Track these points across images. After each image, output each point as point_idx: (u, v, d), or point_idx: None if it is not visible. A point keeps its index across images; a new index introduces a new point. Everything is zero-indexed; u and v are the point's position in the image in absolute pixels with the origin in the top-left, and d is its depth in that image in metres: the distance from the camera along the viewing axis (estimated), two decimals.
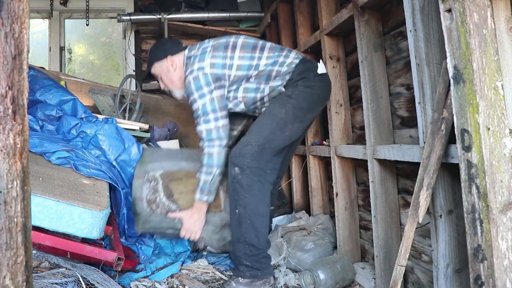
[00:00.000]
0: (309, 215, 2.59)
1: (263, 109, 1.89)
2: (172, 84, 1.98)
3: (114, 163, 2.09)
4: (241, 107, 1.89)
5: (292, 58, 1.84)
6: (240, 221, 1.68)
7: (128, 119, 2.52)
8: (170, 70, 1.93)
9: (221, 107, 1.78)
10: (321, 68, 1.87)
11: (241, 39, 1.89)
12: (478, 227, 0.94)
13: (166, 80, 1.98)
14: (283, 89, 1.82)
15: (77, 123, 2.10)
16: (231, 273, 1.90)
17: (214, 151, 1.75)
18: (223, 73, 1.79)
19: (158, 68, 1.98)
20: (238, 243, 1.69)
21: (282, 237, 2.15)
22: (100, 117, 2.22)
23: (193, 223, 1.85)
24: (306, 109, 1.79)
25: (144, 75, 2.22)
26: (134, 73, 3.79)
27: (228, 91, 1.83)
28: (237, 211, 1.70)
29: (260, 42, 1.91)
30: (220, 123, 1.76)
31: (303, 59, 1.86)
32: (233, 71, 1.80)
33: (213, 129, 1.76)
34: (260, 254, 1.68)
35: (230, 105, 1.87)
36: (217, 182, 1.80)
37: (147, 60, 2.12)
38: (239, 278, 1.67)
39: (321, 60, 1.93)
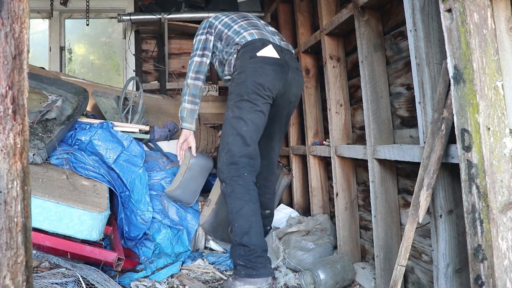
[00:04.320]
0: (309, 215, 2.60)
1: (228, 83, 2.05)
2: None
3: (113, 166, 2.09)
4: (217, 65, 2.12)
5: (248, 33, 1.94)
6: (232, 225, 1.77)
7: (131, 121, 2.53)
8: None
9: (202, 47, 2.07)
10: (265, 51, 1.86)
11: (246, 13, 2.20)
12: (478, 227, 0.94)
13: None
14: (232, 61, 1.93)
15: (72, 133, 2.11)
16: (231, 273, 1.93)
17: (184, 83, 2.07)
18: (213, 23, 2.09)
19: None
20: (234, 247, 1.76)
21: (280, 239, 2.15)
22: (94, 122, 2.22)
23: (179, 144, 2.14)
24: (248, 97, 1.79)
25: None
26: (134, 73, 3.79)
27: (215, 47, 2.08)
28: (229, 217, 1.80)
29: (254, 16, 2.16)
30: (194, 59, 2.07)
31: (257, 39, 1.90)
32: (220, 24, 2.07)
33: (192, 63, 2.07)
34: (253, 254, 1.68)
35: (213, 60, 2.13)
36: (186, 110, 2.03)
37: None
38: (236, 276, 1.69)
39: (271, 44, 1.90)
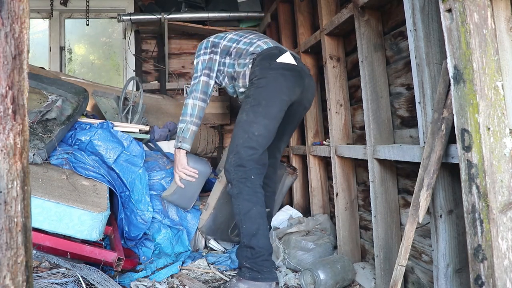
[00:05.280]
0: (309, 215, 2.59)
1: (241, 96, 2.04)
2: None
3: (113, 166, 2.09)
4: (226, 82, 2.05)
5: (262, 42, 1.95)
6: (239, 227, 1.76)
7: (131, 121, 2.53)
8: None
9: (207, 67, 2.01)
10: (284, 58, 1.86)
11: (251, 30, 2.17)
12: (478, 227, 0.94)
13: None
14: (247, 71, 1.90)
15: (72, 133, 2.11)
16: (232, 273, 1.93)
17: (188, 102, 1.98)
18: (218, 42, 2.05)
19: None
20: (241, 248, 1.75)
21: (280, 239, 2.15)
22: (94, 122, 2.22)
23: (175, 169, 2.06)
24: (266, 103, 1.78)
25: None
26: (134, 73, 3.79)
27: (222, 63, 2.02)
28: (236, 219, 1.79)
29: (260, 33, 2.12)
30: (201, 78, 2.00)
31: (272, 47, 1.92)
32: (225, 41, 2.04)
33: (194, 83, 2.01)
34: (260, 257, 1.68)
35: (221, 78, 2.07)
36: (190, 131, 1.96)
37: None
38: (240, 277, 1.69)
39: (288, 51, 1.91)
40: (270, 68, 1.82)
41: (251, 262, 1.68)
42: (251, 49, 1.93)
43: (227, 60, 2.00)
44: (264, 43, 1.95)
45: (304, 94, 1.95)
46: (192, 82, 2.02)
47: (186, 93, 3.65)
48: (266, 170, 1.86)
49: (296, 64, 1.89)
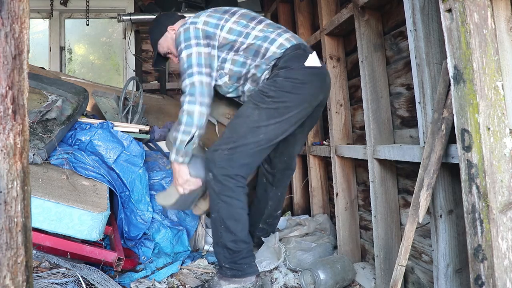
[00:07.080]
0: (309, 215, 2.60)
1: (244, 99, 1.81)
2: None
3: (113, 166, 2.09)
4: (224, 81, 1.74)
5: (284, 39, 1.68)
6: (216, 225, 1.68)
7: (131, 121, 2.53)
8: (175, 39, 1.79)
9: (207, 64, 1.64)
10: (311, 60, 1.68)
11: (243, 10, 1.82)
12: (478, 227, 0.94)
13: (175, 52, 1.83)
14: (267, 75, 1.68)
15: (72, 133, 2.11)
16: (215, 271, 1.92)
17: (195, 109, 1.60)
18: (214, 32, 1.68)
19: (164, 44, 1.91)
20: (217, 246, 1.69)
21: (280, 240, 2.15)
22: (94, 122, 2.22)
23: (174, 181, 1.80)
24: (283, 108, 1.62)
25: (154, 59, 2.03)
26: (134, 73, 3.79)
27: (222, 59, 1.71)
28: (213, 215, 1.69)
29: (261, 16, 1.83)
30: (205, 79, 1.62)
31: (296, 45, 1.69)
32: (223, 32, 1.69)
33: (196, 83, 1.61)
34: (239, 256, 1.64)
35: (216, 76, 1.75)
36: (195, 144, 1.67)
37: (151, 43, 2.00)
38: (222, 275, 1.67)
39: (314, 52, 1.74)
40: (298, 72, 1.63)
41: (230, 262, 1.65)
42: (273, 49, 1.66)
43: (231, 57, 1.70)
44: (286, 40, 1.68)
45: (325, 95, 1.81)
46: (187, 80, 1.63)
47: None
48: (255, 169, 1.81)
49: (321, 65, 1.73)
